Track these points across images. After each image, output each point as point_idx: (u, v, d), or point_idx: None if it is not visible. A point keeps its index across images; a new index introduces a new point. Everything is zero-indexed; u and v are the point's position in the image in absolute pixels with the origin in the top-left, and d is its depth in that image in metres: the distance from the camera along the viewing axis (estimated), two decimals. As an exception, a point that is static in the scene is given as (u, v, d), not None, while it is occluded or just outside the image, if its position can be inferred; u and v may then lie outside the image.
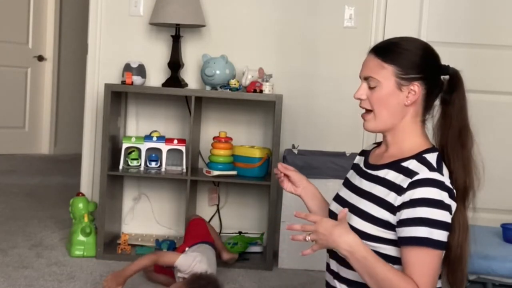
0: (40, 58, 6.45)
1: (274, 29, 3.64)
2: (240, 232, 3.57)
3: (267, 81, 3.38)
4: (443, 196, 1.59)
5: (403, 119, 1.71)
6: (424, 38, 3.48)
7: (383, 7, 3.60)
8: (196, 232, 3.13)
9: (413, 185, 1.60)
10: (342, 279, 1.75)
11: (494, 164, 3.71)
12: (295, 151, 3.36)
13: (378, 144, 1.88)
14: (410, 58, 1.69)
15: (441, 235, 1.58)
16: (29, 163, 6.06)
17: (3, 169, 5.57)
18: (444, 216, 1.58)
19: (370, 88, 1.71)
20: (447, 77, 1.73)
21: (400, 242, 1.60)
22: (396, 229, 1.61)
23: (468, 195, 1.68)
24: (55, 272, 3.05)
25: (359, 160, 1.90)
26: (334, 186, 3.28)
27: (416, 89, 1.68)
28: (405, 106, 1.69)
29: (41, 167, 5.87)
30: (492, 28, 3.63)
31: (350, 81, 3.61)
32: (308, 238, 1.66)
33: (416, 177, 1.61)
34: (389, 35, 3.51)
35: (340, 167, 3.27)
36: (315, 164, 3.31)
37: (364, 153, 1.91)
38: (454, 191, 1.63)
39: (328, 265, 1.83)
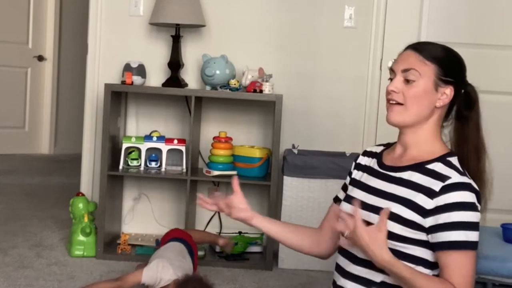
0: (40, 58, 6.45)
1: (274, 29, 3.64)
2: (240, 232, 3.57)
3: (267, 81, 3.38)
4: (474, 198, 1.63)
5: (428, 120, 1.73)
6: (424, 38, 3.51)
7: (383, 7, 3.60)
8: (167, 235, 3.06)
9: (446, 189, 1.63)
10: (349, 276, 1.75)
11: (493, 164, 3.72)
12: (295, 151, 3.36)
13: (387, 146, 1.88)
14: (450, 62, 1.73)
15: (475, 236, 1.62)
16: (29, 163, 6.06)
17: (3, 169, 5.57)
18: (476, 217, 1.62)
19: (407, 81, 1.71)
20: (462, 91, 1.76)
21: (437, 247, 1.63)
22: (431, 234, 1.64)
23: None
24: (55, 272, 3.05)
25: (368, 161, 1.88)
26: (333, 186, 3.28)
27: (449, 92, 1.71)
28: (435, 108, 1.72)
29: (41, 167, 5.87)
30: (492, 28, 3.63)
31: (350, 81, 3.63)
32: (346, 234, 1.64)
33: (448, 181, 1.63)
34: (389, 35, 3.57)
35: (340, 167, 3.27)
36: (315, 164, 3.31)
37: (372, 154, 1.89)
38: (480, 193, 1.67)
39: (338, 266, 1.83)
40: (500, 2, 3.63)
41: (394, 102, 1.73)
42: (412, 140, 1.75)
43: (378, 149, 1.90)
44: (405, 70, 1.71)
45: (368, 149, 1.93)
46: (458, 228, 1.60)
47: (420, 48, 1.73)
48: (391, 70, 1.76)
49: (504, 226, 2.72)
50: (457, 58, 1.76)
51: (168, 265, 2.62)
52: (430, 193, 1.64)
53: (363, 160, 1.91)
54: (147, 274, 2.60)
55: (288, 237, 1.94)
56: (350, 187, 1.88)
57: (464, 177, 1.65)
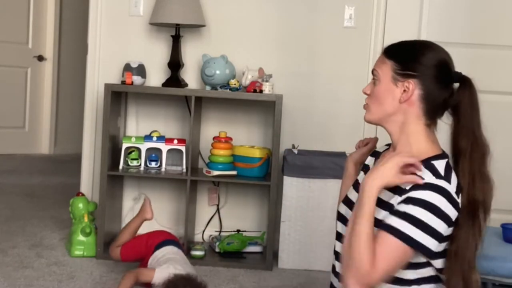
0: (40, 58, 6.45)
1: (274, 29, 3.64)
2: (238, 231, 3.57)
3: (267, 81, 3.38)
4: (442, 204, 1.56)
5: (400, 118, 1.70)
6: (424, 38, 3.51)
7: (383, 7, 3.60)
8: (139, 248, 2.91)
9: (415, 187, 1.58)
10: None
11: (493, 164, 3.72)
12: (295, 151, 3.36)
13: (389, 146, 1.87)
14: (409, 54, 1.70)
15: (424, 239, 1.55)
16: (29, 163, 6.06)
17: (3, 169, 5.57)
18: (437, 224, 1.55)
19: (373, 83, 1.75)
20: (457, 84, 1.69)
21: (380, 225, 1.59)
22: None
23: (477, 210, 1.63)
24: (55, 272, 3.05)
25: (369, 161, 1.90)
26: (334, 186, 3.28)
27: (410, 87, 1.67)
28: (399, 104, 1.69)
29: (41, 167, 5.87)
30: (492, 28, 3.63)
31: (350, 81, 3.63)
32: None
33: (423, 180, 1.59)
34: (389, 35, 3.57)
35: (340, 167, 3.26)
36: (315, 164, 3.30)
37: (374, 153, 1.91)
38: (459, 202, 1.60)
39: (333, 267, 1.83)
40: (500, 2, 3.63)
41: (365, 103, 1.78)
42: (396, 141, 1.73)
43: (382, 149, 1.90)
44: (372, 73, 1.76)
45: (376, 149, 1.94)
46: (409, 220, 1.54)
47: (387, 48, 1.76)
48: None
49: (504, 226, 2.72)
50: (426, 51, 1.69)
51: (181, 268, 2.60)
52: (402, 192, 1.61)
53: (367, 160, 1.92)
54: (159, 274, 2.56)
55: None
56: (350, 189, 1.89)
57: (440, 180, 1.58)
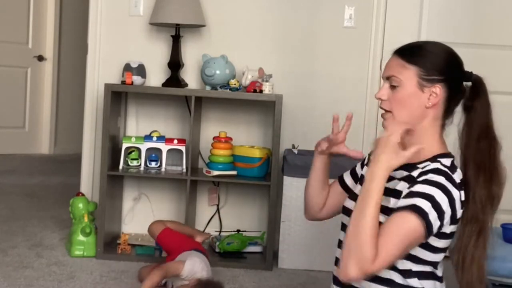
0: (40, 58, 6.45)
1: (274, 29, 3.64)
2: (238, 231, 3.57)
3: (267, 81, 3.38)
4: (449, 185, 1.58)
5: (422, 122, 1.70)
6: (424, 38, 3.51)
7: (383, 7, 3.60)
8: (177, 242, 2.98)
9: (423, 173, 1.61)
10: None
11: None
12: (295, 151, 3.36)
13: None
14: (434, 60, 1.69)
15: (429, 209, 1.54)
16: (29, 163, 6.06)
17: (3, 169, 5.57)
18: (442, 199, 1.56)
19: (392, 88, 1.71)
20: (469, 83, 1.72)
21: (393, 210, 1.59)
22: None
23: (487, 206, 1.65)
24: (55, 272, 3.05)
25: (365, 171, 1.87)
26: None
27: (438, 91, 1.67)
28: (425, 108, 1.69)
29: (41, 167, 5.87)
30: (492, 28, 3.63)
31: (350, 81, 3.63)
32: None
33: (428, 167, 1.61)
34: (389, 35, 3.58)
35: (340, 167, 3.24)
36: (315, 164, 3.30)
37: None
38: (460, 194, 1.61)
39: (337, 259, 1.83)
40: (500, 2, 3.63)
41: (383, 110, 1.74)
42: (409, 141, 1.71)
43: None
44: (388, 77, 1.72)
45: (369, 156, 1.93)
46: (417, 196, 1.55)
47: (403, 51, 1.72)
48: (382, 77, 1.78)
49: (504, 226, 2.72)
50: (445, 54, 1.71)
51: (206, 269, 2.69)
52: (410, 180, 1.62)
53: (364, 170, 1.92)
54: (190, 268, 2.63)
55: (314, 185, 2.03)
56: (346, 199, 1.89)
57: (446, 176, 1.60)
